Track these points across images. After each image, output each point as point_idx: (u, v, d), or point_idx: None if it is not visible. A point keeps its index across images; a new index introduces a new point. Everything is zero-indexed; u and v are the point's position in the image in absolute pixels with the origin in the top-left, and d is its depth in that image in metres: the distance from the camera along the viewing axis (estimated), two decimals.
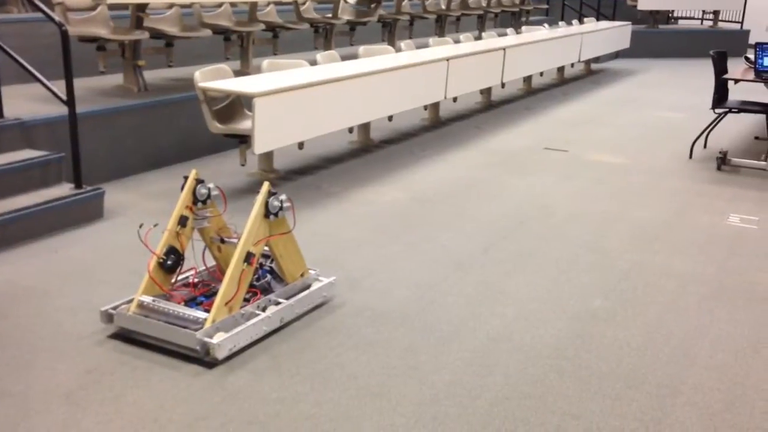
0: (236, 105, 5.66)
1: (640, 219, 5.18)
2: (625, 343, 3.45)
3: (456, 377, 3.12)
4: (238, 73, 5.67)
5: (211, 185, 3.61)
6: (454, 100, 8.11)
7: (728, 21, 16.38)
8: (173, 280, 3.56)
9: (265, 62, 6.02)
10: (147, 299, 3.36)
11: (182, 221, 3.51)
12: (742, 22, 15.53)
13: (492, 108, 9.11)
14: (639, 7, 14.34)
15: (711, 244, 4.74)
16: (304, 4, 8.44)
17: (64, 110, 4.78)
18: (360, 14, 9.01)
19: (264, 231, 3.46)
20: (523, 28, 10.83)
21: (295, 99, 5.32)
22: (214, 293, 3.38)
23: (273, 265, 3.67)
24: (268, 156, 5.90)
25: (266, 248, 3.55)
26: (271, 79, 5.47)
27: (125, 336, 3.34)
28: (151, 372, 3.09)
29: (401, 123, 7.97)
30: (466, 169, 6.32)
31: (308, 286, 3.73)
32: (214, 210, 3.65)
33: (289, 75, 5.69)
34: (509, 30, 10.22)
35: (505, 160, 6.66)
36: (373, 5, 9.03)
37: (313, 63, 6.40)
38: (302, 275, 3.74)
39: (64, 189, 4.81)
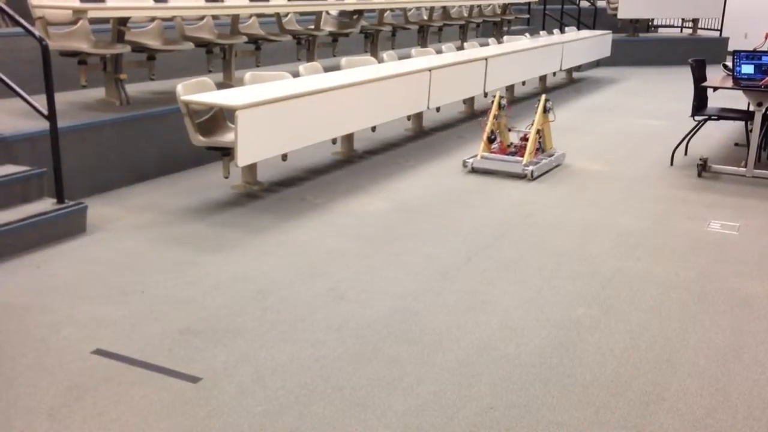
0: (219, 118, 5.66)
1: (622, 226, 5.22)
2: (609, 351, 3.47)
3: (441, 387, 3.13)
4: (220, 86, 5.68)
5: (504, 100, 6.77)
6: (437, 110, 8.14)
7: (707, 29, 16.57)
8: (490, 148, 6.77)
9: (248, 74, 6.02)
10: (485, 154, 6.64)
11: (496, 117, 6.70)
12: (721, 30, 15.71)
13: (475, 117, 9.15)
14: (619, 16, 14.47)
15: (692, 251, 4.78)
16: (286, 16, 8.46)
17: (45, 125, 4.76)
18: (342, 25, 9.03)
19: (542, 119, 6.68)
20: (505, 37, 10.89)
21: (278, 111, 5.33)
22: (512, 153, 6.68)
23: (540, 141, 6.74)
24: (251, 168, 5.90)
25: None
26: (254, 91, 5.48)
27: (479, 172, 6.55)
28: (135, 388, 3.08)
29: (384, 133, 8.00)
30: (450, 178, 6.34)
31: (553, 154, 6.88)
32: (505, 113, 6.83)
33: (271, 87, 5.69)
34: (491, 40, 10.28)
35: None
36: (355, 16, 9.06)
37: (296, 75, 6.41)
38: (551, 148, 6.98)
39: (46, 204, 4.78)
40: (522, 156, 6.53)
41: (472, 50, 9.14)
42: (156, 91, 6.99)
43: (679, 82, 12.53)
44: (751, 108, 6.46)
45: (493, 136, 6.71)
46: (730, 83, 6.63)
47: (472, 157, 6.65)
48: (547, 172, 6.60)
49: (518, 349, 3.46)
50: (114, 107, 6.16)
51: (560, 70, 11.17)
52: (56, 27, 6.04)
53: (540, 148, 6.74)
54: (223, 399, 3.01)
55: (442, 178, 6.34)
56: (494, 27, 13.58)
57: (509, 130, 6.97)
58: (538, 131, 6.57)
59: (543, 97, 6.68)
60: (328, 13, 8.88)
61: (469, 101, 9.36)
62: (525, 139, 6.74)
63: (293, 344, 3.46)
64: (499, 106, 6.71)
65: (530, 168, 6.38)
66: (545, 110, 6.64)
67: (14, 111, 5.65)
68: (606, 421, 2.92)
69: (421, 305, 3.90)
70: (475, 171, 6.56)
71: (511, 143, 6.89)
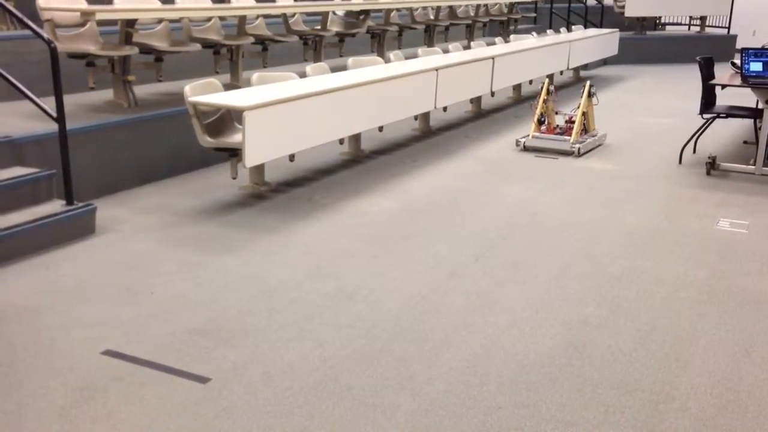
0: (226, 119, 5.67)
1: (630, 225, 5.20)
2: (618, 350, 3.46)
3: (449, 387, 3.13)
4: (228, 87, 5.69)
5: (552, 87, 7.52)
6: (444, 109, 8.14)
7: (715, 26, 16.51)
8: (540, 129, 7.49)
9: (255, 75, 6.03)
10: (535, 134, 7.36)
11: (545, 101, 7.41)
12: (729, 27, 15.65)
13: (482, 117, 9.15)
14: (626, 14, 14.43)
15: (701, 249, 4.76)
16: (292, 16, 8.47)
17: (54, 127, 4.78)
18: (349, 26, 9.04)
19: (587, 103, 7.44)
20: (512, 36, 10.88)
21: (285, 111, 5.34)
22: (560, 133, 7.38)
23: (585, 122, 7.47)
24: (259, 169, 5.91)
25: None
26: (261, 92, 5.49)
27: (530, 150, 7.37)
28: (144, 388, 3.09)
29: (392, 133, 8.00)
30: (457, 178, 6.34)
31: (596, 134, 7.63)
32: (553, 97, 7.53)
33: (278, 88, 5.70)
34: (498, 39, 10.27)
35: (495, 168, 6.68)
36: (361, 16, 9.06)
37: (303, 75, 6.41)
38: (593, 129, 7.73)
39: (56, 206, 4.80)
40: (568, 136, 7.27)
41: (479, 49, 9.13)
42: (164, 92, 7.01)
43: (686, 80, 12.48)
44: (760, 105, 6.43)
45: (542, 119, 7.46)
46: (738, 81, 6.60)
47: (524, 137, 7.40)
48: (591, 149, 7.37)
49: (527, 349, 3.46)
50: (122, 109, 6.18)
51: (567, 68, 11.14)
52: (64, 29, 6.06)
53: (584, 129, 7.49)
54: (232, 399, 3.02)
55: (450, 178, 6.33)
56: (501, 26, 13.56)
57: (555, 113, 7.69)
58: (583, 113, 7.40)
59: (588, 83, 7.48)
60: (334, 13, 8.89)
61: (476, 101, 9.35)
62: (570, 121, 7.50)
63: (302, 344, 3.47)
64: (548, 92, 7.46)
65: (577, 146, 7.14)
66: (590, 95, 7.44)
67: (23, 113, 5.67)
68: (615, 420, 2.92)
69: (429, 305, 3.90)
70: (527, 149, 7.32)
71: (557, 125, 7.57)
